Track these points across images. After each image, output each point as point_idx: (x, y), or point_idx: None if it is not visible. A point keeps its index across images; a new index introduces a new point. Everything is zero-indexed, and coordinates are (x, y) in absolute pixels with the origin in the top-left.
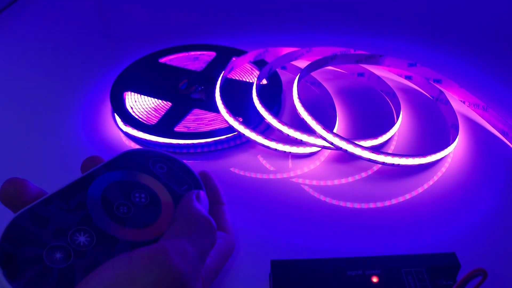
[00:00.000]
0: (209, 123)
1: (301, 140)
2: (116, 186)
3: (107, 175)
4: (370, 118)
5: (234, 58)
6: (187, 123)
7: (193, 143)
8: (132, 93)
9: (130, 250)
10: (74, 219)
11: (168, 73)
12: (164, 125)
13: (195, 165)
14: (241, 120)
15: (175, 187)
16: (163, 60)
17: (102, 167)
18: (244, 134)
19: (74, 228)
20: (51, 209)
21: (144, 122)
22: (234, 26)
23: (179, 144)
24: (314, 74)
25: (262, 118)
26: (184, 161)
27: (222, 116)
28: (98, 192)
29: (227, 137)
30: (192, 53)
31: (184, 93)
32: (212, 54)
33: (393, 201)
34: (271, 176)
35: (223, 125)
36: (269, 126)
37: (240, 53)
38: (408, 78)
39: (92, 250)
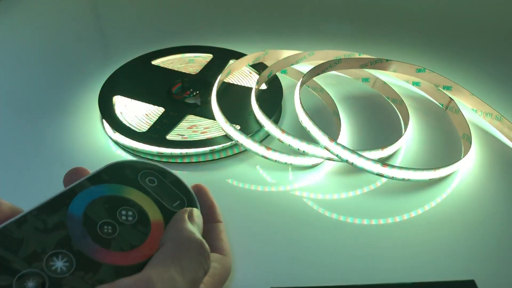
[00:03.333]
0: (204, 130)
1: (303, 151)
2: (100, 203)
3: (91, 189)
4: (377, 127)
5: (231, 61)
6: (181, 131)
7: (187, 153)
8: (122, 97)
9: (113, 277)
10: (51, 241)
11: (161, 76)
12: (155, 133)
13: (188, 176)
14: (238, 128)
15: (166, 204)
16: (156, 62)
17: (85, 180)
18: (241, 143)
19: (50, 251)
20: (25, 229)
21: (134, 129)
22: (232, 27)
23: (172, 153)
24: (317, 79)
25: (261, 126)
26: (177, 172)
27: (218, 123)
28: (80, 210)
29: (223, 146)
30: (187, 55)
31: (178, 98)
32: (208, 57)
33: (402, 218)
34: (271, 189)
35: (220, 133)
36: (268, 135)
37: (238, 55)
38: (416, 84)
39: (70, 277)
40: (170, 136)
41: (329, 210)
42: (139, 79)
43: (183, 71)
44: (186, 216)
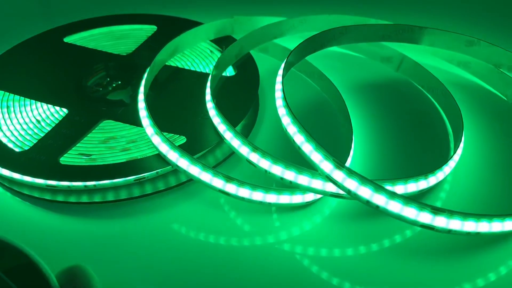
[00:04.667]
0: (127, 146)
1: (290, 181)
2: None
3: None
4: (409, 136)
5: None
6: (88, 147)
7: (95, 185)
8: (5, 94)
9: None
10: None
11: (75, 60)
12: (44, 152)
13: (97, 227)
14: (183, 141)
15: None
16: (70, 39)
17: None
18: (185, 170)
19: None
20: None
21: (12, 146)
22: None
23: (70, 186)
24: (312, 59)
25: (220, 138)
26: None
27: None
28: None
29: (158, 172)
30: (119, 27)
31: (95, 93)
32: (150, 29)
33: None
34: (244, 242)
35: (154, 151)
36: (232, 153)
37: (193, 25)
38: (465, 65)
39: None
40: (67, 158)
41: (332, 274)
42: (40, 64)
43: (111, 51)
44: None
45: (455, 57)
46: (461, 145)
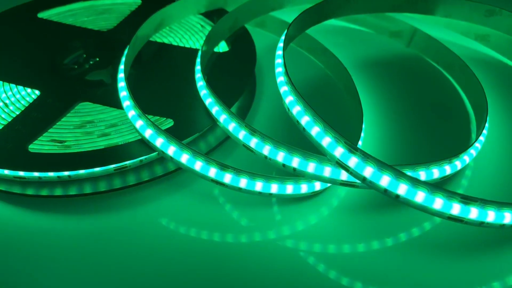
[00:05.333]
0: (107, 131)
1: (294, 168)
2: None
3: None
4: (425, 118)
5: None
6: (62, 132)
7: (70, 176)
8: None
9: None
10: None
11: (50, 37)
12: (10, 139)
13: (71, 221)
14: (170, 124)
15: None
16: (45, 14)
17: None
18: (173, 157)
19: None
20: None
21: None
22: None
23: (41, 177)
24: (315, 33)
25: (213, 121)
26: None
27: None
28: None
29: (142, 160)
30: (101, 1)
31: (72, 73)
32: (134, 3)
33: None
34: (241, 239)
35: (136, 136)
36: (227, 137)
37: None
38: (483, 39)
39: None
40: (37, 145)
41: (341, 273)
42: (7, 44)
43: (90, 27)
44: None
45: (471, 30)
46: (486, 125)
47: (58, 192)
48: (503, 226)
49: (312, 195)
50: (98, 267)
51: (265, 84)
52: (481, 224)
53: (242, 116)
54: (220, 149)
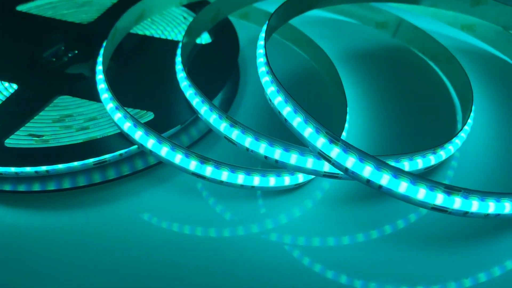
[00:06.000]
0: (86, 125)
1: (276, 160)
2: None
3: None
4: (410, 108)
5: None
6: (40, 126)
7: (48, 171)
8: None
9: None
10: None
11: (29, 31)
12: None
13: (50, 218)
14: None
15: None
16: (24, 8)
17: None
18: (152, 150)
19: None
20: None
21: None
22: None
23: (18, 173)
24: (299, 24)
25: (194, 112)
26: None
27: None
28: None
29: (122, 154)
30: None
31: (51, 66)
32: None
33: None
34: (224, 233)
35: (116, 130)
36: (209, 130)
37: None
38: (469, 29)
39: None
40: (14, 139)
41: (327, 266)
42: None
43: (70, 20)
44: None
45: (458, 20)
46: (472, 114)
47: (36, 187)
48: (487, 215)
49: (296, 187)
50: (78, 263)
51: (248, 76)
52: (465, 214)
53: (226, 108)
54: (202, 142)
